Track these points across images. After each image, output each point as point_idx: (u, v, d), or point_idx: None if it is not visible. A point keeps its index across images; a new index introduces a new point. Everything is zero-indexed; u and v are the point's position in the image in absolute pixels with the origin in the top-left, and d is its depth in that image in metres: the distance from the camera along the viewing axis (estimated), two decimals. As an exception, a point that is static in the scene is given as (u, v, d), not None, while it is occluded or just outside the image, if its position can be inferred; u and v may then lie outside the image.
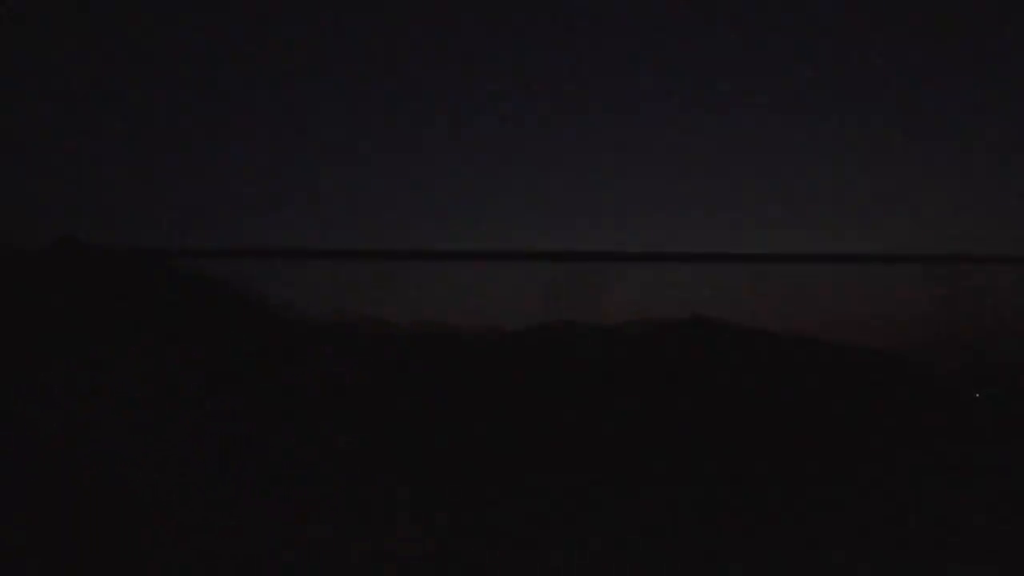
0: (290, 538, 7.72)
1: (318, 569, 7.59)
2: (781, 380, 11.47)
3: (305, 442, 8.64)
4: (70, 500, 7.21)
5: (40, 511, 7.04)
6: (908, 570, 8.19)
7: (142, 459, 7.68)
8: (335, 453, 8.72)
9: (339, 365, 9.66)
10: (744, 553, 8.29)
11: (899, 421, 10.88)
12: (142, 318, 8.63)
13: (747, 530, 8.60)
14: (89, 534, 7.14)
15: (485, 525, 8.45)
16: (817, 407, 11.02)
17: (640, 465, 9.69)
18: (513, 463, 9.54)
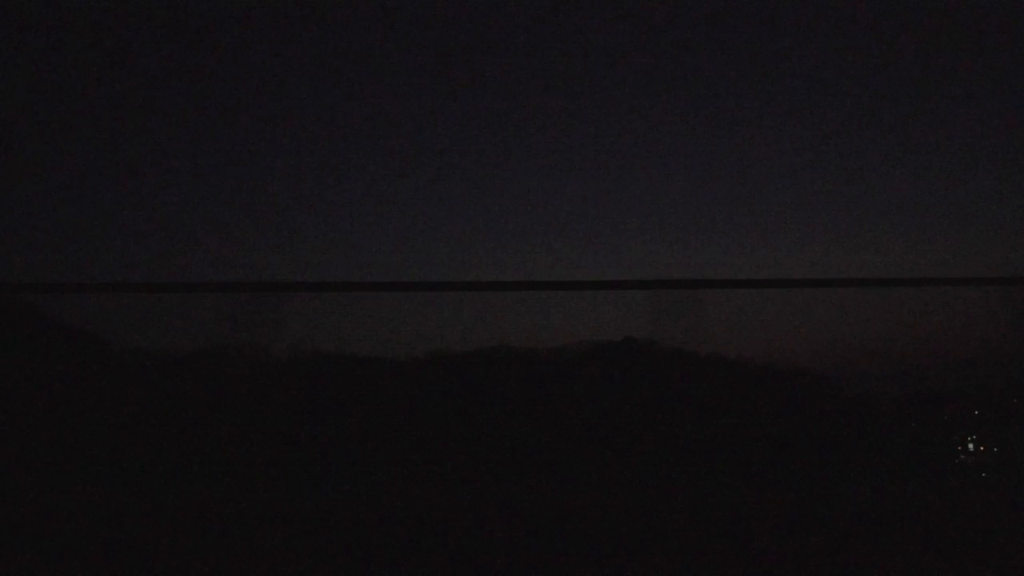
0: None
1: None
2: (716, 401, 11.80)
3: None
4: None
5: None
6: None
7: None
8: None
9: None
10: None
11: (820, 437, 11.30)
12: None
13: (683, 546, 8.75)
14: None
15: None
16: (750, 425, 11.39)
17: (583, 478, 9.83)
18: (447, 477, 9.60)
